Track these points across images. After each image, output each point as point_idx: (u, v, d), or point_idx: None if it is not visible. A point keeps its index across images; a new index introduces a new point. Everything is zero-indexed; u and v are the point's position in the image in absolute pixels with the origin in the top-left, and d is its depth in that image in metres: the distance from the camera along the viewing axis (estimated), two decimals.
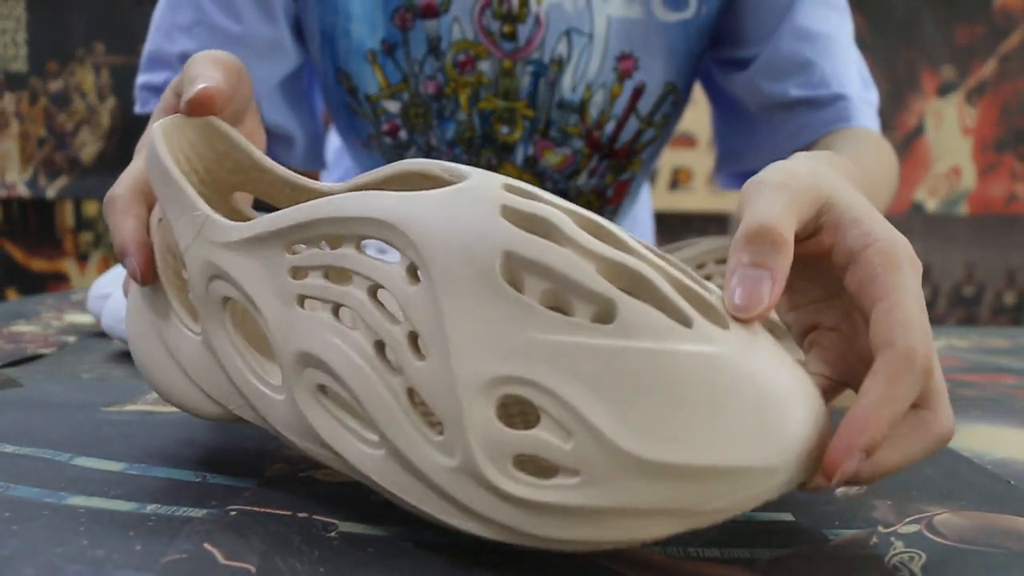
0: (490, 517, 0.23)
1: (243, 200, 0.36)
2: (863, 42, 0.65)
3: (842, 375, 0.28)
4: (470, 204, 0.25)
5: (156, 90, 0.64)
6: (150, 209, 0.33)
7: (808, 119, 0.61)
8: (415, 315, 0.24)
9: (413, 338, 0.24)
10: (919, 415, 0.25)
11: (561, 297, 0.23)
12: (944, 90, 1.75)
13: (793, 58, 0.61)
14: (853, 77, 0.62)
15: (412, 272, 0.25)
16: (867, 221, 0.27)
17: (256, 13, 0.59)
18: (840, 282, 0.28)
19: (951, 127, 1.76)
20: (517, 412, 0.30)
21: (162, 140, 0.30)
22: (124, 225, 0.32)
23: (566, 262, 0.23)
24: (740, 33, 0.64)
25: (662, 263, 0.25)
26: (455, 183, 0.27)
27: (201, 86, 0.32)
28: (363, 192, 0.26)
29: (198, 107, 0.32)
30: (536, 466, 0.24)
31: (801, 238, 0.28)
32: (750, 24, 0.63)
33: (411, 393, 0.24)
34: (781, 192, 0.27)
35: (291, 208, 0.27)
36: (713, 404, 0.22)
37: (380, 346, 0.25)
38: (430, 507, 0.24)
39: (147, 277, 0.31)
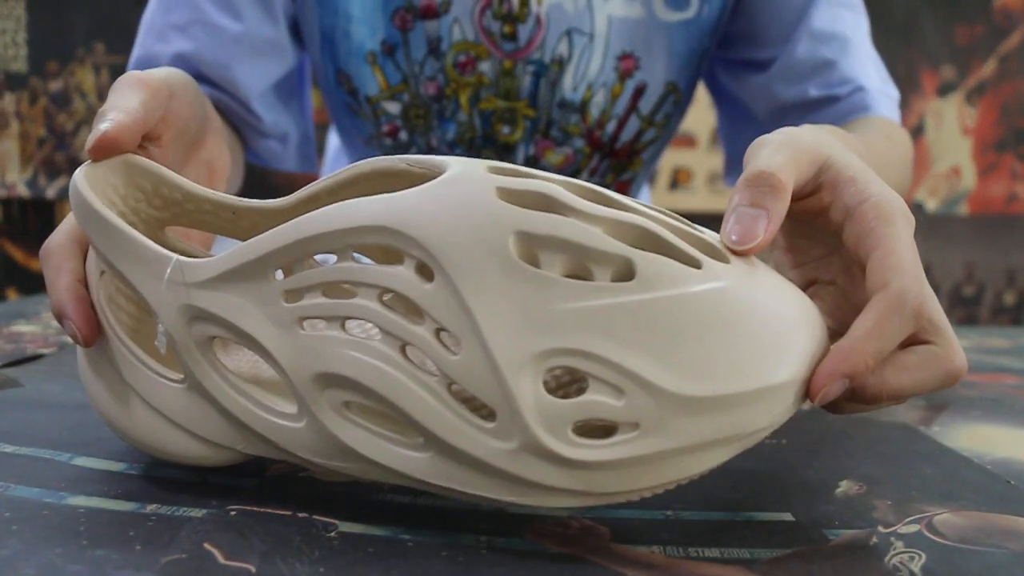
0: (560, 487, 0.24)
1: (178, 234, 0.35)
2: None
3: (840, 325, 0.30)
4: (465, 193, 0.25)
5: None
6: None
7: (826, 114, 0.61)
8: (438, 312, 0.24)
9: (438, 335, 0.24)
10: (929, 349, 0.27)
11: (579, 265, 0.24)
12: (944, 90, 1.75)
13: (811, 60, 0.61)
14: (871, 73, 0.62)
15: (421, 271, 0.25)
16: (862, 180, 0.29)
17: (257, 12, 0.59)
18: (837, 240, 0.29)
19: (951, 127, 1.76)
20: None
21: (88, 189, 0.29)
22: (58, 283, 0.30)
23: (577, 231, 0.24)
24: (755, 35, 0.64)
25: (658, 215, 0.26)
26: (429, 174, 0.27)
27: (103, 127, 0.30)
28: (347, 202, 0.25)
29: (101, 152, 0.30)
30: (587, 429, 0.24)
31: (801, 196, 0.29)
32: (765, 26, 0.63)
33: (449, 388, 0.24)
34: (783, 148, 0.28)
35: (270, 232, 0.26)
36: (736, 333, 0.24)
37: (404, 350, 0.25)
38: (494, 493, 0.25)
39: (90, 340, 0.29)
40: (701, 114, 1.69)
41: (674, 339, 0.23)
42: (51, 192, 1.68)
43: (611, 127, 0.65)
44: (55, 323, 0.63)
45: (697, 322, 0.23)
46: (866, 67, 0.62)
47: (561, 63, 0.62)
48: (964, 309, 1.82)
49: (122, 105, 0.32)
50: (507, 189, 0.25)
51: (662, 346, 0.23)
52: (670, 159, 1.75)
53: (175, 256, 0.27)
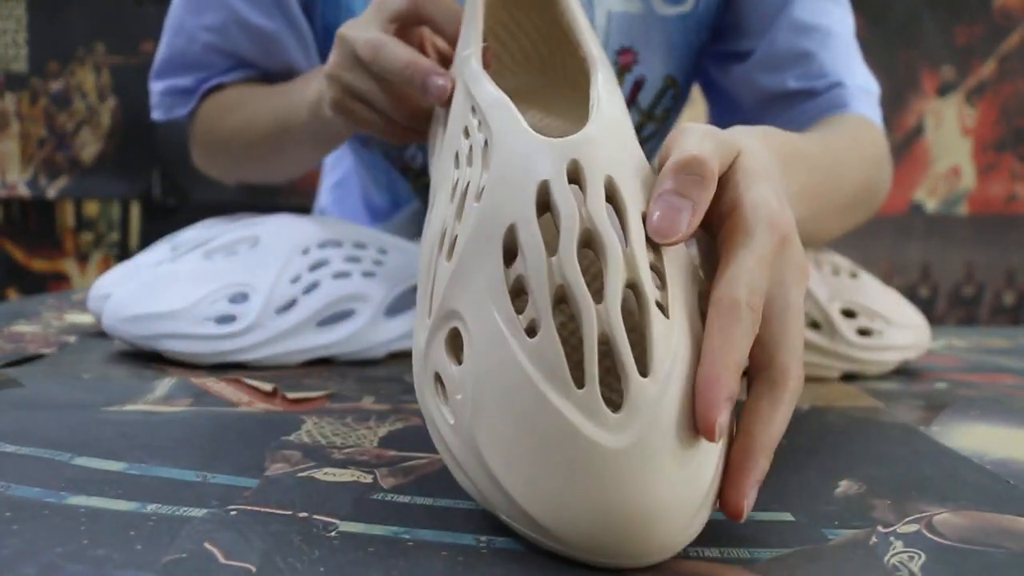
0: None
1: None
2: (862, 42, 0.65)
3: None
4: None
5: (182, 93, 0.64)
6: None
7: (803, 108, 0.61)
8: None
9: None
10: (768, 378, 0.26)
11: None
12: (944, 90, 1.75)
13: (791, 50, 0.61)
14: (852, 69, 0.62)
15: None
16: (743, 185, 0.28)
17: (279, 10, 0.61)
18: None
19: (951, 127, 1.76)
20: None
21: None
22: (400, 51, 0.41)
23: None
24: (739, 27, 0.64)
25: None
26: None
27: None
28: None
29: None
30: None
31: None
32: (748, 18, 0.63)
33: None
34: (709, 137, 0.28)
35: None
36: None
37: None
38: None
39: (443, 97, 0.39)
40: (700, 113, 1.69)
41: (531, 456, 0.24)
42: (51, 192, 1.67)
43: None
44: (56, 323, 0.63)
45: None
46: (849, 62, 0.62)
47: None
48: (964, 309, 1.82)
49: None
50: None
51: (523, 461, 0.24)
52: None
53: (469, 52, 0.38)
